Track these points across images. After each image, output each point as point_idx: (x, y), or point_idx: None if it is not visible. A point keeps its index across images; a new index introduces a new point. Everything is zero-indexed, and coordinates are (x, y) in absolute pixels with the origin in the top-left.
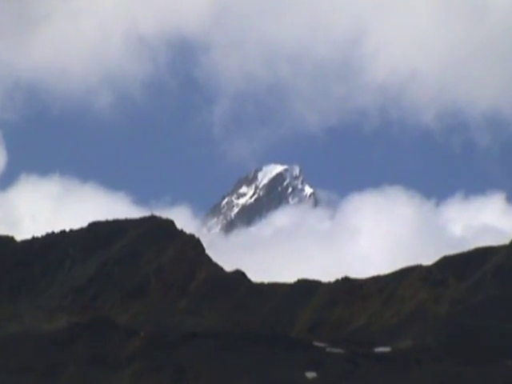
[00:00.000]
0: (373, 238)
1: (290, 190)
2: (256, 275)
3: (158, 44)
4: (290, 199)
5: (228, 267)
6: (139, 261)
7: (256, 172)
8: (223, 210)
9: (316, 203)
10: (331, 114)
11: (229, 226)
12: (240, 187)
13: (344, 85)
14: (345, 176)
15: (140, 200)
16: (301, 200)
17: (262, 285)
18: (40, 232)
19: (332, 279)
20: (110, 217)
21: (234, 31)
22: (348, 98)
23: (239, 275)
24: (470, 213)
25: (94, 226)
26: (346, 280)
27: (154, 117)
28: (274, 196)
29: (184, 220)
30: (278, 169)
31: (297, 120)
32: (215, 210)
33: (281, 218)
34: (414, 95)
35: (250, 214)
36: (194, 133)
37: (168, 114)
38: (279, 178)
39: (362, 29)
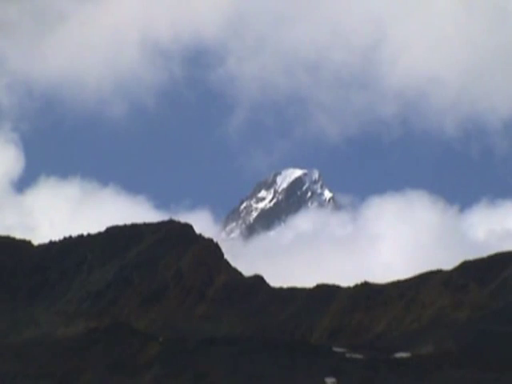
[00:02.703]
0: (394, 243)
1: (309, 194)
2: (275, 280)
3: (174, 52)
4: (310, 203)
5: (247, 272)
6: (157, 266)
7: (275, 176)
8: (242, 215)
9: (336, 207)
10: (351, 124)
11: (248, 231)
12: (259, 191)
13: (363, 92)
14: (365, 179)
15: (160, 204)
16: (320, 204)
17: (281, 290)
18: (58, 236)
19: (351, 284)
20: (130, 221)
21: (252, 39)
22: (368, 106)
23: (258, 280)
24: (494, 218)
25: (112, 231)
26: (365, 285)
27: (170, 126)
28: (294, 200)
29: (203, 224)
30: (297, 173)
31: (316, 130)
32: (234, 214)
33: (300, 223)
34: (434, 101)
35: (269, 219)
36: (210, 143)
37: (184, 123)
38: (298, 182)
39: (381, 34)
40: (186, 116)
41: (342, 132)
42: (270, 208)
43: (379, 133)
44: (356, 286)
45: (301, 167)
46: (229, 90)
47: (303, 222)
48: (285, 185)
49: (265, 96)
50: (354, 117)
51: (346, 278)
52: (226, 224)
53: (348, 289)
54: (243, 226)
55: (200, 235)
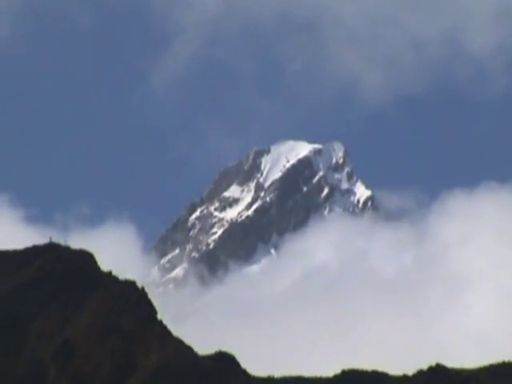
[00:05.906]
0: (491, 289)
1: (326, 190)
2: (258, 362)
3: None
4: (327, 209)
5: (202, 347)
6: (25, 333)
7: (257, 156)
8: (193, 233)
9: (378, 216)
10: (404, 69)
11: (206, 265)
12: (227, 186)
13: (424, 9)
14: (435, 164)
15: (34, 213)
16: (348, 210)
17: (269, 381)
18: None
19: (410, 369)
20: None
21: None
22: (437, 34)
23: (224, 361)
24: None
25: None
26: (437, 370)
27: (47, 72)
28: (295, 202)
29: (118, 252)
30: (303, 150)
31: (338, 78)
32: (178, 232)
33: (309, 248)
34: None
35: (247, 240)
36: (129, 105)
37: (78, 69)
38: (305, 166)
39: None
40: (83, 53)
41: (389, 82)
42: (249, 219)
43: (460, 83)
44: (420, 373)
45: (309, 140)
46: (163, 4)
47: (315, 245)
48: (278, 173)
49: (233, 13)
50: (412, 55)
51: (399, 356)
52: (162, 251)
53: (404, 378)
54: (195, 254)
55: (110, 274)
